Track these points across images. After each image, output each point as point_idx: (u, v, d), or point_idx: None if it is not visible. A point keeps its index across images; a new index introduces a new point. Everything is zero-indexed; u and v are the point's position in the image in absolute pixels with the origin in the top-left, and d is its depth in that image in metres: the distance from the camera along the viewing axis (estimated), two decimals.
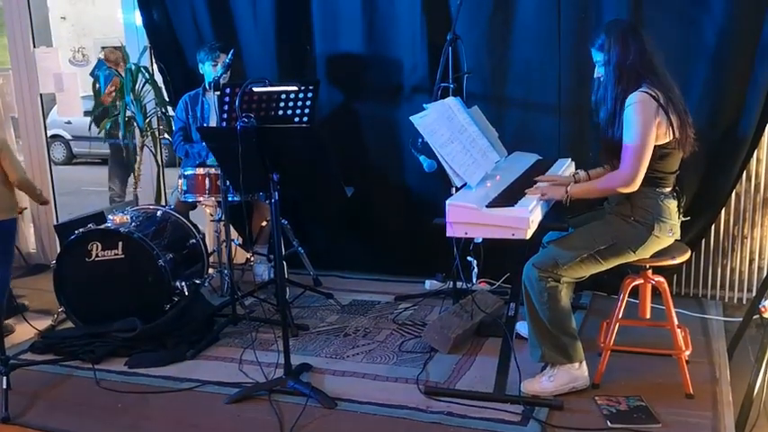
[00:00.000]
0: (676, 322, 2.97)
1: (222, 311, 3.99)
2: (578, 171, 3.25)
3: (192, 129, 4.43)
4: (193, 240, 4.16)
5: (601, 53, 2.86)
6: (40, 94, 5.31)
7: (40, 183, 5.47)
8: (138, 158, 5.00)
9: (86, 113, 5.83)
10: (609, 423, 2.73)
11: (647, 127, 2.73)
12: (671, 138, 2.79)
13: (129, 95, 4.85)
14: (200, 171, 4.12)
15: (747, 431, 2.66)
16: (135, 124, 4.91)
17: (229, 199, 3.97)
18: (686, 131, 2.83)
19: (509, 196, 2.84)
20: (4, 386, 3.08)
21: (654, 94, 2.75)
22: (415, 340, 3.62)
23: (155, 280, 3.73)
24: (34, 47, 5.25)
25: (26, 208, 5.51)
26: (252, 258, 4.44)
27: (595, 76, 2.94)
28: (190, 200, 4.21)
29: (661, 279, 3.02)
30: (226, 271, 4.13)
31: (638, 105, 2.73)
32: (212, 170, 4.08)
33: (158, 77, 4.96)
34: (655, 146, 2.77)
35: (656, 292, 3.03)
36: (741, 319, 3.39)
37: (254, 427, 2.86)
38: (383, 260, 4.66)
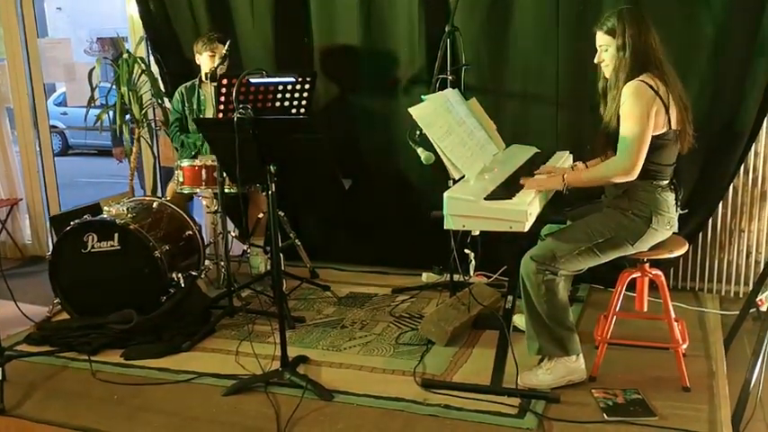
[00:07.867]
0: (673, 315, 2.98)
1: (218, 303, 3.98)
2: (576, 163, 3.24)
3: (187, 120, 4.41)
4: (190, 232, 4.14)
5: (610, 38, 2.81)
6: (44, 84, 5.30)
7: (28, 173, 5.44)
8: (133, 150, 4.98)
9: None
10: (606, 416, 2.74)
11: (644, 115, 2.71)
12: (667, 128, 2.78)
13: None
14: (197, 162, 4.11)
15: (743, 424, 2.67)
16: (131, 115, 4.88)
17: (226, 191, 3.96)
18: (685, 128, 2.83)
19: (507, 189, 2.82)
20: (0, 377, 3.06)
21: (652, 83, 2.74)
22: (412, 333, 3.61)
23: (151, 272, 3.71)
24: (27, 37, 5.22)
25: (21, 199, 5.50)
26: (248, 250, 4.43)
27: (596, 60, 2.91)
28: (186, 191, 4.20)
29: (658, 272, 3.02)
30: (222, 263, 4.12)
31: (634, 95, 2.72)
32: (208, 161, 4.07)
33: (155, 69, 4.93)
34: (651, 136, 2.75)
35: (654, 286, 3.03)
36: (738, 312, 3.39)
37: (250, 420, 2.85)
38: (380, 252, 4.65)
